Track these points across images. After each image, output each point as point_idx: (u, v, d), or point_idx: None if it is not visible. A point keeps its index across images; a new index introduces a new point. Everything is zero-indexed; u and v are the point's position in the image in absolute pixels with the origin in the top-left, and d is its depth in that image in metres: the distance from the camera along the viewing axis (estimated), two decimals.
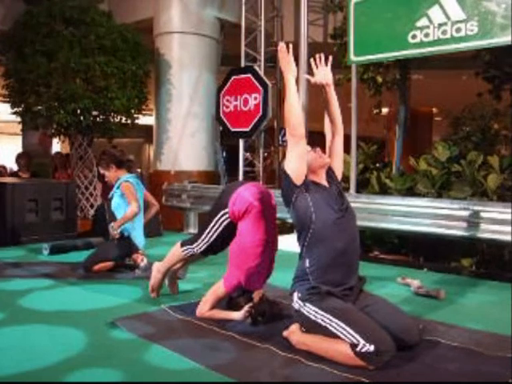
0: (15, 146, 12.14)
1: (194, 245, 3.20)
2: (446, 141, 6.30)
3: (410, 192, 5.70)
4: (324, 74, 2.83)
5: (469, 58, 6.70)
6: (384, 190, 5.90)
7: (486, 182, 5.21)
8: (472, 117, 6.59)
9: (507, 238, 4.26)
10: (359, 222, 5.00)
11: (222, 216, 3.09)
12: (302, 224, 2.61)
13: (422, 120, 14.07)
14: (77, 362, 2.40)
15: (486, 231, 4.43)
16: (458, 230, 4.57)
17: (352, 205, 5.20)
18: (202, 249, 3.18)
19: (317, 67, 2.84)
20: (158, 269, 3.45)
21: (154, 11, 8.27)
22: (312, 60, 2.88)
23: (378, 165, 6.83)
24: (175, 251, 3.34)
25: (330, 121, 2.91)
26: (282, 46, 2.68)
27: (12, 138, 14.38)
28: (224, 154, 11.10)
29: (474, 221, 4.48)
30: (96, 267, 4.23)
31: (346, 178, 5.84)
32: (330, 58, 2.89)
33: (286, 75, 2.66)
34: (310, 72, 2.90)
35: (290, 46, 2.69)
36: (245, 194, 3.02)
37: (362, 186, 6.13)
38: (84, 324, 2.94)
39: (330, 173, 2.82)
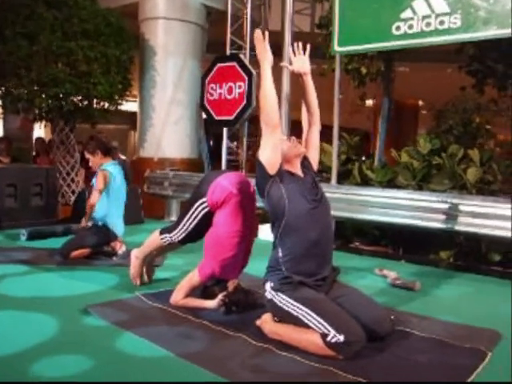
0: None
1: (172, 233, 3.18)
2: (429, 134, 6.33)
3: (391, 184, 5.72)
4: (302, 62, 2.82)
5: (454, 51, 6.72)
6: (365, 182, 5.92)
7: (466, 176, 5.25)
8: (454, 110, 6.62)
9: (485, 231, 4.31)
10: (339, 213, 5.08)
11: (201, 205, 3.06)
12: (275, 214, 2.60)
13: (408, 113, 14.10)
14: (47, 349, 2.39)
15: (464, 224, 4.47)
16: (436, 223, 4.61)
17: (332, 195, 5.23)
18: (180, 238, 3.16)
19: (295, 55, 2.83)
20: (136, 255, 3.43)
21: None
22: (290, 48, 2.87)
23: (363, 157, 6.84)
24: (154, 239, 3.32)
25: (307, 110, 2.90)
26: (257, 32, 2.64)
27: None
28: (211, 143, 11.06)
29: (452, 213, 4.51)
30: (73, 254, 4.19)
31: (327, 169, 5.85)
32: (309, 46, 2.87)
33: (262, 63, 2.63)
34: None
35: (266, 33, 2.66)
36: (224, 183, 3.00)
37: (344, 177, 6.14)
38: (57, 310, 2.92)
39: (305, 163, 2.80)
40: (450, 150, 5.56)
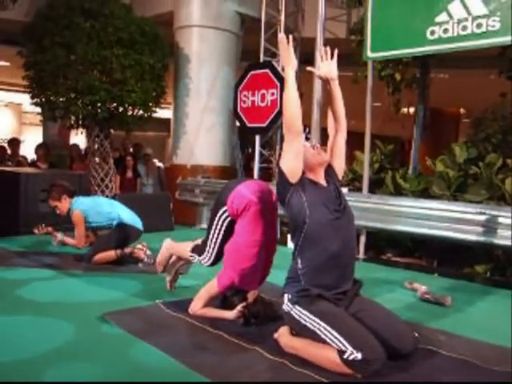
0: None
1: (202, 256, 3.08)
2: (466, 142, 6.10)
3: (426, 194, 5.53)
4: (329, 67, 2.73)
5: (495, 56, 6.46)
6: (398, 191, 5.74)
7: (504, 186, 5.01)
8: (493, 118, 6.35)
9: None
10: (369, 223, 4.93)
11: (223, 214, 2.98)
12: (295, 223, 2.51)
13: (449, 121, 13.70)
14: (59, 355, 2.37)
15: (502, 237, 4.26)
16: (472, 235, 4.41)
17: (363, 205, 5.09)
18: (209, 262, 3.06)
19: (322, 60, 2.75)
20: (167, 247, 3.42)
21: (174, 5, 8.23)
22: (318, 53, 2.79)
23: (398, 166, 6.64)
24: (184, 251, 3.26)
25: (333, 117, 2.81)
26: (281, 37, 2.58)
27: (39, 128, 14.58)
28: (249, 150, 11.02)
29: (489, 226, 4.32)
30: (96, 257, 4.23)
31: (360, 177, 5.71)
32: (336, 52, 2.79)
33: (286, 68, 2.56)
34: None
35: (291, 37, 2.59)
36: (244, 191, 2.93)
37: (377, 186, 5.98)
38: (75, 316, 2.92)
39: (329, 171, 2.71)
40: (488, 158, 5.32)
